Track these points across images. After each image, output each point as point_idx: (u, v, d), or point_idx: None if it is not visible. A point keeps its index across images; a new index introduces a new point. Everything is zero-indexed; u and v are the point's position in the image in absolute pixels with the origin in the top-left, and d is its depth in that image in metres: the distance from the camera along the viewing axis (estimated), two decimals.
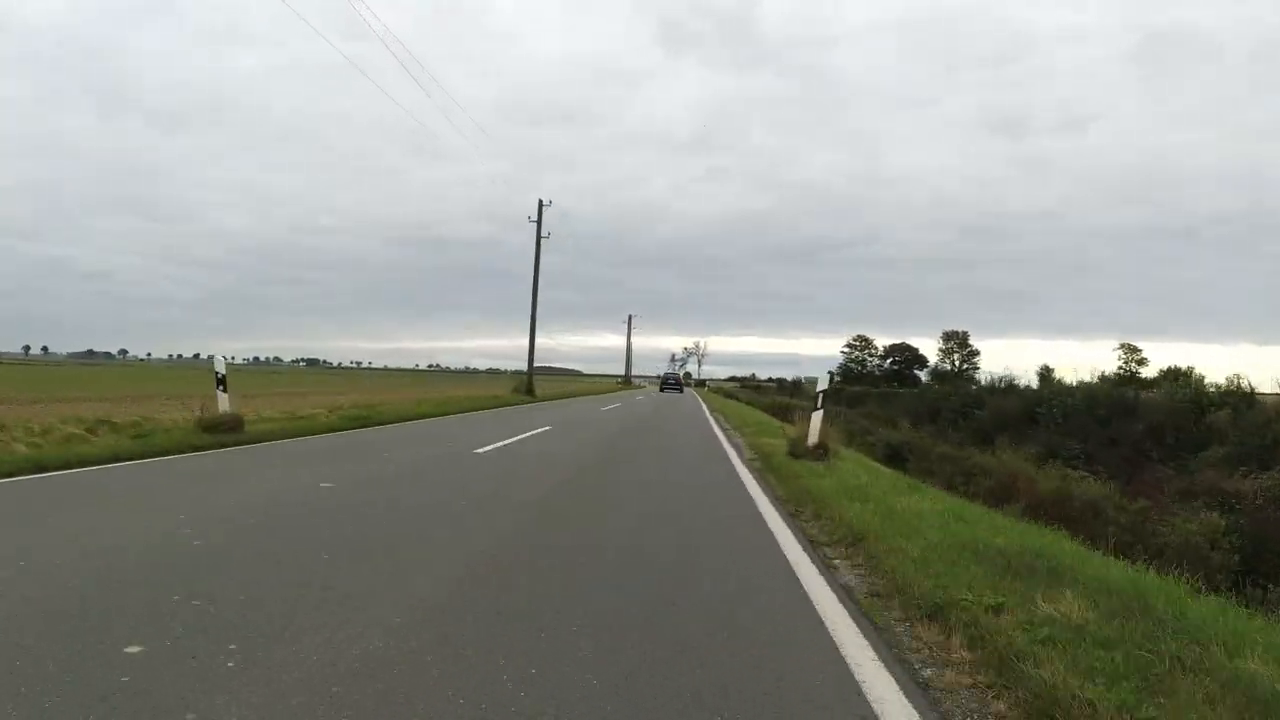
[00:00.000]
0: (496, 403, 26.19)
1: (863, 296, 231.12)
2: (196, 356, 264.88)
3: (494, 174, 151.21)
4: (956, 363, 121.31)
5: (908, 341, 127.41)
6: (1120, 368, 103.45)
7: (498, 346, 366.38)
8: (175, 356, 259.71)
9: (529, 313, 33.56)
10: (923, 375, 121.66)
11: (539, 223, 33.16)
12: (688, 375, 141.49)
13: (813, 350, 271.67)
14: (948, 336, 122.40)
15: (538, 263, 33.09)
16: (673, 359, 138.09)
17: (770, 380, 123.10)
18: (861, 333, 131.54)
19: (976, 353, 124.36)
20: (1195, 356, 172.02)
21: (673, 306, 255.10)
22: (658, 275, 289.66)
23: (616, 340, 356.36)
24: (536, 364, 34.99)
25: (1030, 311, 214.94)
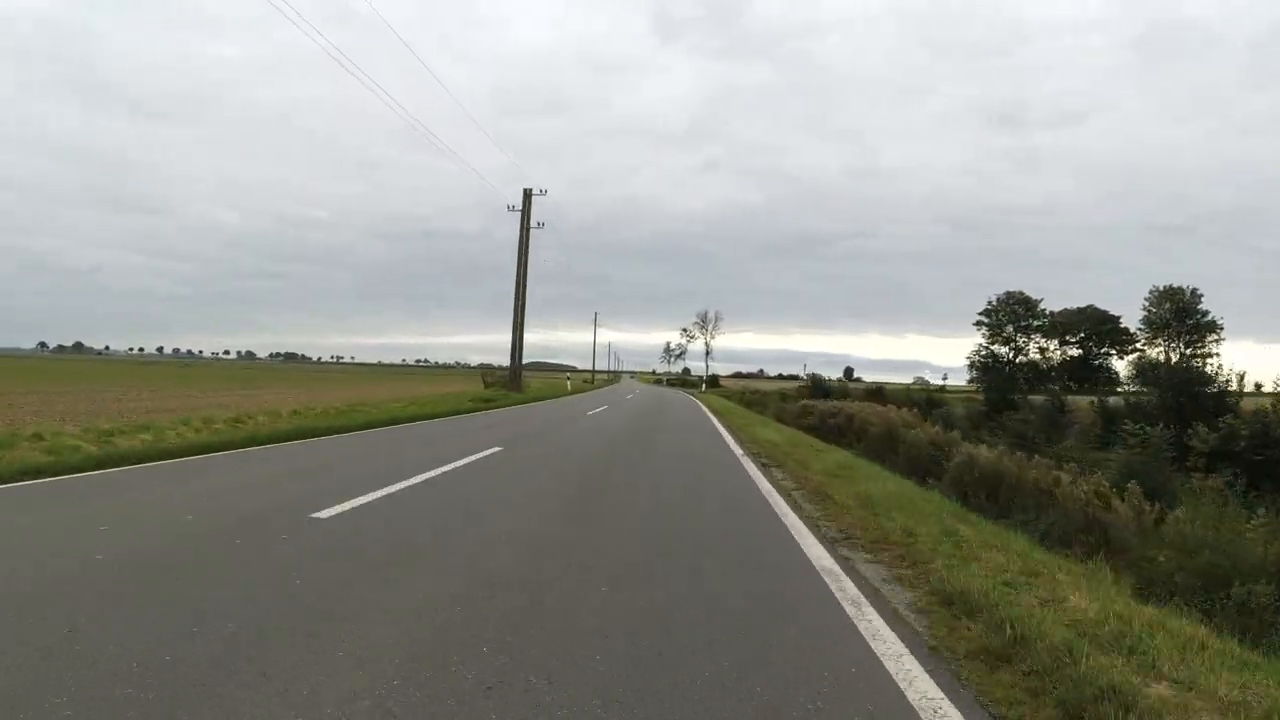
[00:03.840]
0: None
1: (856, 291, 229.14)
2: (160, 350, 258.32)
3: (486, 166, 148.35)
4: (1181, 348, 61.23)
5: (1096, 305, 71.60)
6: None
7: (492, 341, 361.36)
8: (137, 350, 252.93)
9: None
10: (1121, 366, 66.81)
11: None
12: (686, 371, 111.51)
13: (808, 346, 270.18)
14: (1161, 297, 62.09)
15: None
16: (667, 349, 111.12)
17: (777, 375, 78.52)
18: (1017, 289, 69.52)
19: (1214, 328, 60.04)
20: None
21: (664, 301, 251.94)
22: (648, 269, 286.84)
23: (611, 335, 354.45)
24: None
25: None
